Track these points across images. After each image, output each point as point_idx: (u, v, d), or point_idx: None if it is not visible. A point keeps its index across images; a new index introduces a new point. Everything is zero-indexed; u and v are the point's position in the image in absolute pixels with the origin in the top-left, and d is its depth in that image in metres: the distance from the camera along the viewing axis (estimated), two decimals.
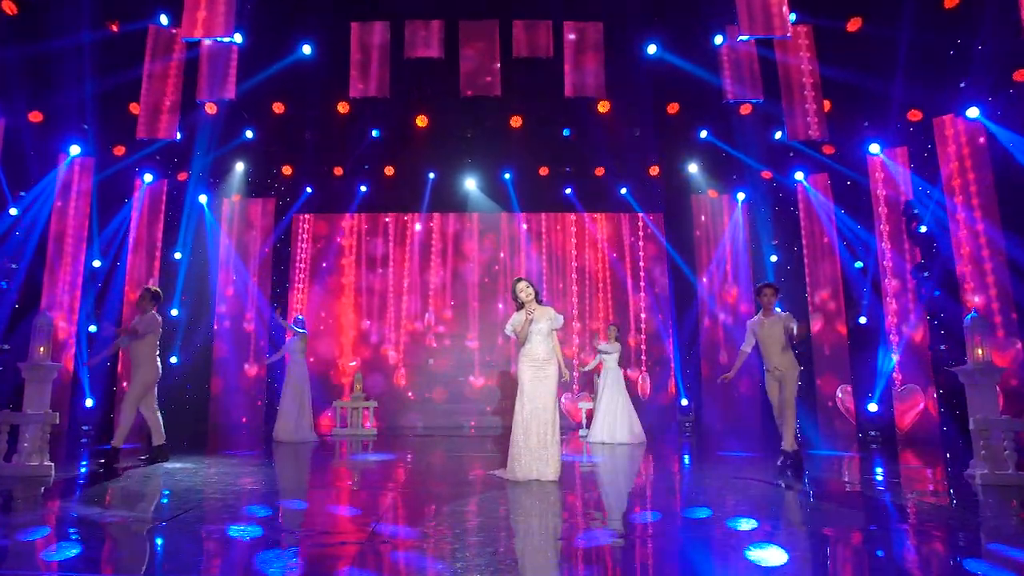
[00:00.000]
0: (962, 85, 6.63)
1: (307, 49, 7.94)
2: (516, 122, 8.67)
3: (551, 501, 4.29)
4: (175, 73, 8.14)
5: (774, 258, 9.45)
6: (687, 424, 9.29)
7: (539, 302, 5.24)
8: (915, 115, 7.39)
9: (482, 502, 4.21)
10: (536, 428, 4.95)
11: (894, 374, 8.10)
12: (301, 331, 8.29)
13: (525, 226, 10.81)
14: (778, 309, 5.61)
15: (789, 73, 7.29)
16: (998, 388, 5.08)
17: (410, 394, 10.43)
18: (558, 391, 5.14)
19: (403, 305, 10.70)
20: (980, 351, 5.05)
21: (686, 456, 7.02)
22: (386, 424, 9.77)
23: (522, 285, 5.18)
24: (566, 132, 8.95)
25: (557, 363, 5.08)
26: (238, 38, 7.82)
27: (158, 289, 6.36)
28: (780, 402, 5.45)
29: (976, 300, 7.10)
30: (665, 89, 8.08)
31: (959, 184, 7.22)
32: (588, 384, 9.60)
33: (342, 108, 8.61)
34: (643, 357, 10.33)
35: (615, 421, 7.80)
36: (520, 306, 5.18)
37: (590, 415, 8.94)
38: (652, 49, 7.58)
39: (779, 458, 5.44)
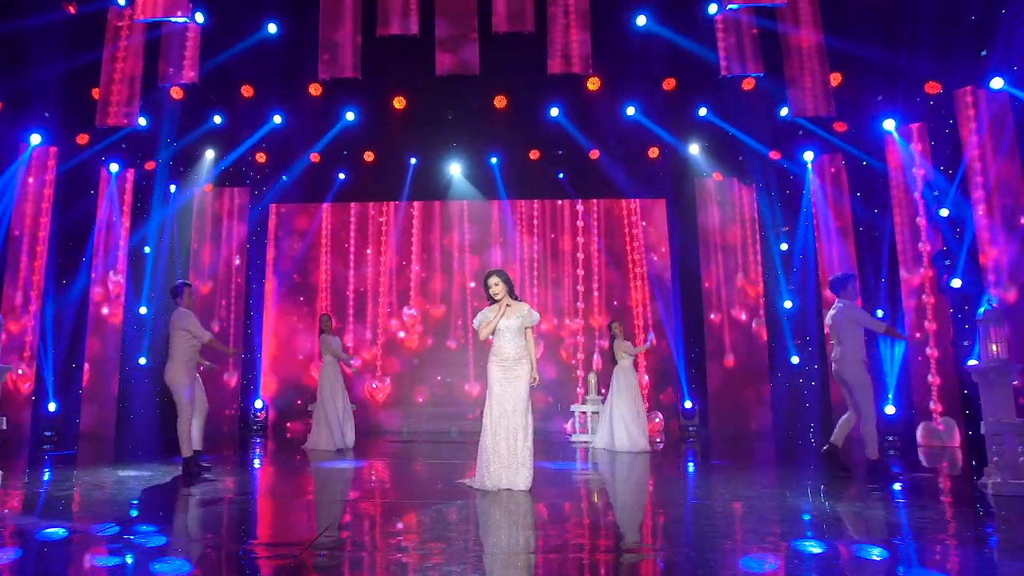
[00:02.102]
0: (983, 53, 6.40)
1: (272, 28, 7.88)
2: (500, 102, 8.56)
3: (521, 513, 4.23)
4: (136, 56, 8.13)
5: (784, 246, 9.26)
6: (691, 429, 9.15)
7: (513, 297, 5.17)
8: (933, 87, 7.16)
9: (446, 513, 4.14)
10: (505, 433, 4.89)
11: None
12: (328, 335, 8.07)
13: (515, 214, 10.69)
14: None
15: (792, 44, 7.09)
16: None
17: (393, 397, 10.39)
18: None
19: (386, 301, 10.63)
20: (995, 347, 4.89)
21: (689, 464, 6.92)
22: (368, 429, 9.75)
23: (494, 280, 5.11)
24: (555, 112, 8.81)
25: (529, 363, 5.02)
26: (199, 18, 7.81)
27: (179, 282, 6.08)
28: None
29: (1000, 293, 6.88)
30: (658, 64, 7.91)
31: (984, 162, 6.99)
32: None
33: (314, 90, 8.56)
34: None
35: (627, 427, 7.62)
36: (493, 301, 5.12)
37: (583, 417, 8.86)
38: (641, 20, 7.43)
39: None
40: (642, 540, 3.67)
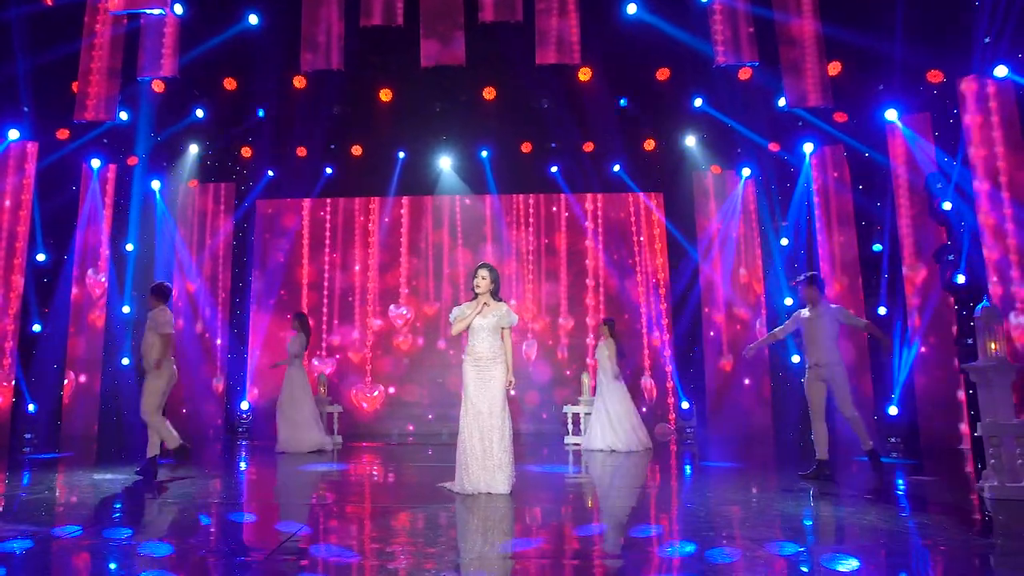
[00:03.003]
0: (987, 40, 6.32)
1: (253, 19, 7.86)
2: (489, 94, 8.52)
3: (498, 518, 4.20)
4: (115, 49, 8.13)
5: (785, 241, 9.17)
6: (688, 430, 9.10)
7: (496, 298, 5.15)
8: (935, 76, 7.08)
9: (420, 518, 4.13)
10: (480, 434, 4.89)
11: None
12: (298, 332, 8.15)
13: (507, 209, 10.62)
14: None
15: (789, 32, 7.02)
16: None
17: (383, 398, 10.36)
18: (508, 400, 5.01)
19: (375, 300, 10.59)
20: (994, 345, 4.84)
21: (687, 466, 6.88)
22: (357, 431, 9.73)
23: (482, 273, 5.10)
24: (544, 104, 8.76)
25: (505, 365, 5.00)
26: (178, 9, 7.80)
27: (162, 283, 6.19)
28: (821, 403, 5.82)
29: (1015, 290, 6.80)
30: (651, 54, 7.86)
31: (991, 153, 6.90)
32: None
33: (298, 83, 8.54)
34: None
35: (619, 426, 7.61)
36: (476, 295, 5.10)
37: (576, 419, 8.81)
38: (632, 9, 7.37)
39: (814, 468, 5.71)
40: (625, 545, 3.62)
